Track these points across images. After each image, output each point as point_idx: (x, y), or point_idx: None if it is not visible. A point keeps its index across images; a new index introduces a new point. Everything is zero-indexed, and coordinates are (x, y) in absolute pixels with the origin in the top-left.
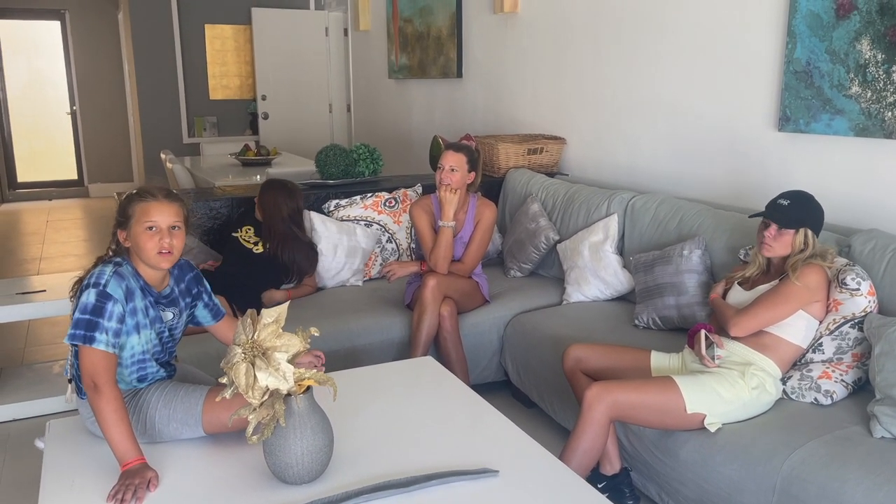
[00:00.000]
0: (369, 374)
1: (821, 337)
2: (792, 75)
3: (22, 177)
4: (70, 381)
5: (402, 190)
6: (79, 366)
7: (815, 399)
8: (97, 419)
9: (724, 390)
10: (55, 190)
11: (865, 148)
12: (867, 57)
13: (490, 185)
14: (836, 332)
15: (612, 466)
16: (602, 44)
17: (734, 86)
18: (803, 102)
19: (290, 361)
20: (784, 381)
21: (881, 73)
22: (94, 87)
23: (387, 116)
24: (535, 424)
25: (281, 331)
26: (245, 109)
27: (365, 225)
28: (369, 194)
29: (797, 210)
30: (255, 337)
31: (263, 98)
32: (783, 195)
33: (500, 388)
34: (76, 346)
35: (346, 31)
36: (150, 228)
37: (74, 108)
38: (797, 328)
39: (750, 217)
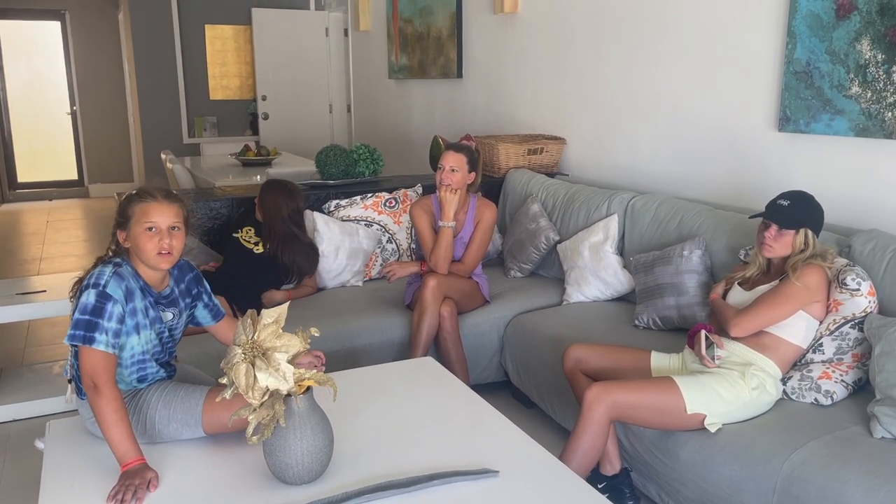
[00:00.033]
0: (369, 375)
1: (821, 337)
2: (792, 75)
3: (22, 177)
4: (70, 381)
5: (403, 190)
6: (79, 366)
7: (816, 399)
8: (97, 419)
9: (725, 390)
10: (55, 190)
11: (865, 148)
12: (867, 57)
13: (490, 186)
14: (837, 333)
15: (612, 467)
16: (602, 44)
17: (734, 86)
18: (803, 103)
19: (290, 362)
20: (784, 381)
21: (881, 73)
22: (95, 88)
23: (387, 117)
24: (536, 425)
25: (281, 331)
26: (245, 110)
27: (365, 225)
28: (369, 194)
29: (797, 210)
30: (256, 337)
31: (263, 98)
32: (783, 195)
33: (500, 388)
34: (76, 346)
35: (346, 31)
36: (150, 229)
37: (74, 108)
38: (797, 328)
39: (750, 218)
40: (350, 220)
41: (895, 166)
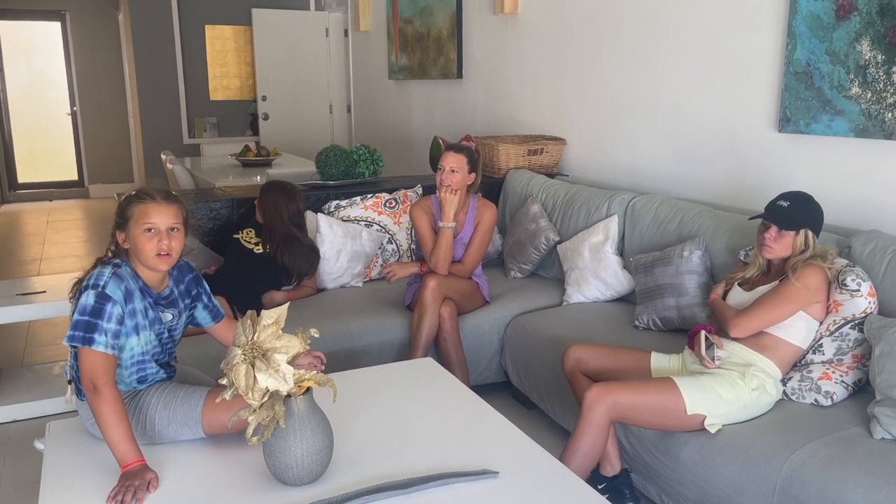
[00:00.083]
0: (369, 376)
1: (821, 338)
2: (792, 76)
3: (22, 177)
4: (70, 382)
5: (403, 191)
6: (78, 367)
7: (816, 400)
8: (97, 420)
9: (725, 391)
10: (55, 191)
11: (865, 149)
12: (867, 58)
13: (490, 186)
14: (837, 333)
15: (612, 467)
16: (602, 44)
17: (734, 86)
18: (803, 103)
19: (290, 363)
20: (784, 382)
21: (881, 73)
22: (95, 88)
23: (387, 117)
24: (536, 425)
25: (281, 332)
26: (245, 110)
27: (365, 225)
28: (369, 195)
29: (797, 211)
30: (255, 338)
31: (264, 99)
32: (783, 196)
33: (500, 389)
34: (75, 347)
35: (346, 31)
36: (149, 230)
37: (75, 108)
38: (797, 329)
39: (750, 219)
40: (351, 221)
41: (895, 167)
